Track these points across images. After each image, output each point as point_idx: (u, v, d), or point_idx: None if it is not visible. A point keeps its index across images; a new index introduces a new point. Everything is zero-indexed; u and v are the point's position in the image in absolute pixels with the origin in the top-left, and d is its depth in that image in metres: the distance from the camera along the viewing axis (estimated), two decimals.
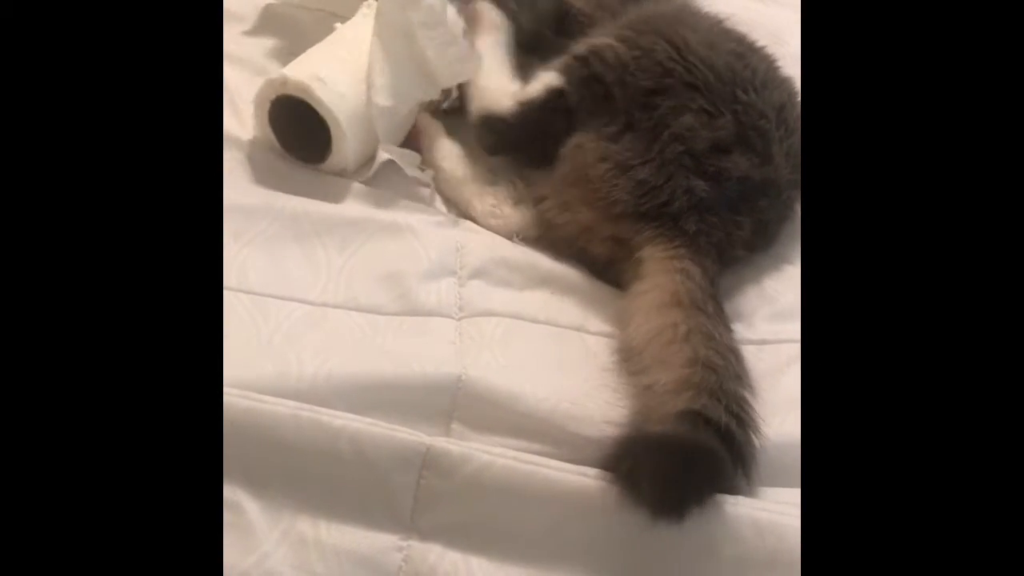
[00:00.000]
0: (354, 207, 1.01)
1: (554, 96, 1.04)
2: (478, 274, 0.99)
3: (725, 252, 1.00)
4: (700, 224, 0.98)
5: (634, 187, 0.99)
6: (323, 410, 0.71)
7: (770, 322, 1.01)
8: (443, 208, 1.08)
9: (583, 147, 1.02)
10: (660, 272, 0.95)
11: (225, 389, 0.70)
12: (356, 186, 1.04)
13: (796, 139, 1.07)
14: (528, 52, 1.14)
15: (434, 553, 0.70)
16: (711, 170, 0.99)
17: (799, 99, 1.13)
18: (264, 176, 1.02)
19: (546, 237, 1.04)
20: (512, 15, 1.16)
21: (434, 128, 1.12)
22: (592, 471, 0.71)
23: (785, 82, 1.13)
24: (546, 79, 1.05)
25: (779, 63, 1.16)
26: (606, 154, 1.00)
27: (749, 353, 0.96)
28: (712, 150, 1.00)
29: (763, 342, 0.98)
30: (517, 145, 1.07)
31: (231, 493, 0.69)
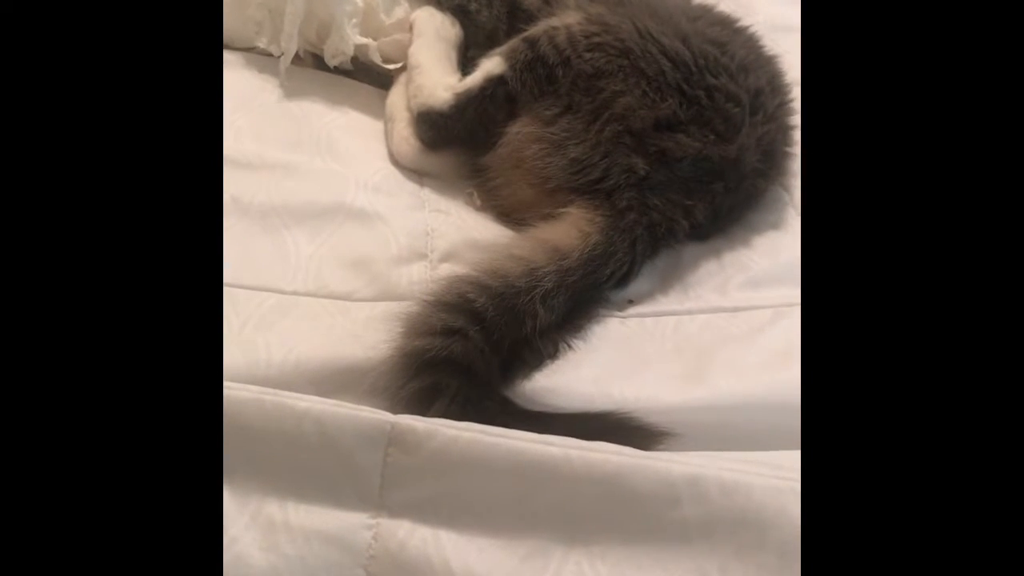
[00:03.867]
0: (323, 197, 1.01)
1: (494, 84, 1.04)
2: (449, 257, 0.99)
3: (663, 238, 1.00)
4: (634, 202, 0.97)
5: (567, 164, 0.99)
6: (286, 393, 0.72)
7: (743, 290, 1.01)
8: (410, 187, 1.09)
9: (520, 132, 1.03)
10: (564, 223, 0.96)
11: None
12: (325, 173, 1.05)
13: (774, 127, 1.07)
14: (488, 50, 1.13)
15: (403, 529, 0.70)
16: (653, 149, 0.99)
17: (785, 80, 1.14)
18: (231, 171, 1.02)
19: (490, 206, 1.06)
20: (469, 15, 1.17)
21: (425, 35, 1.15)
22: (557, 440, 0.71)
23: (767, 65, 1.13)
24: (488, 66, 1.06)
25: (762, 43, 1.16)
26: (540, 135, 1.01)
27: (722, 320, 0.97)
28: (655, 128, 0.99)
29: (736, 309, 0.98)
30: (456, 137, 1.08)
31: None
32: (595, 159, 0.98)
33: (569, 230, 0.95)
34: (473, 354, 0.84)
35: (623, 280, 0.96)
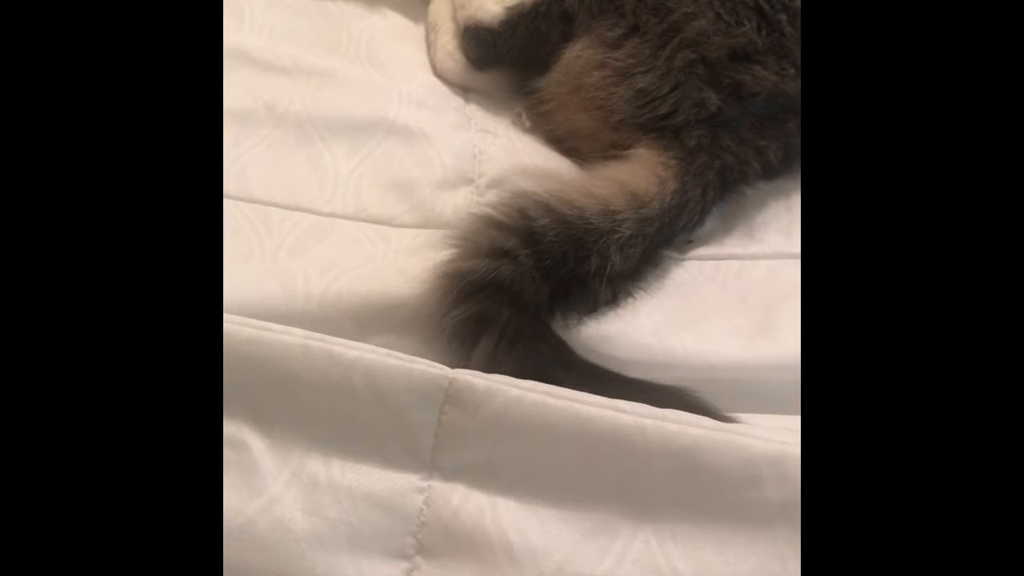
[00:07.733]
0: (363, 109, 0.93)
1: None
2: (497, 184, 0.92)
3: (733, 183, 0.92)
4: (704, 141, 0.89)
5: (633, 96, 0.91)
6: (335, 340, 0.65)
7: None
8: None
9: (581, 55, 0.93)
10: (639, 166, 0.88)
11: (227, 316, 0.63)
12: (365, 82, 0.96)
13: None
14: None
15: (458, 494, 0.65)
16: (727, 82, 0.90)
17: None
18: (264, 75, 0.93)
19: (540, 129, 0.98)
20: None
21: None
22: (629, 407, 0.65)
23: None
24: None
25: None
26: (604, 61, 0.92)
27: (789, 267, 0.91)
28: (730, 58, 0.90)
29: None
30: (507, 57, 0.99)
31: (235, 430, 0.63)
32: (664, 91, 0.90)
33: (647, 175, 0.87)
34: (524, 280, 0.77)
35: (692, 230, 0.90)
